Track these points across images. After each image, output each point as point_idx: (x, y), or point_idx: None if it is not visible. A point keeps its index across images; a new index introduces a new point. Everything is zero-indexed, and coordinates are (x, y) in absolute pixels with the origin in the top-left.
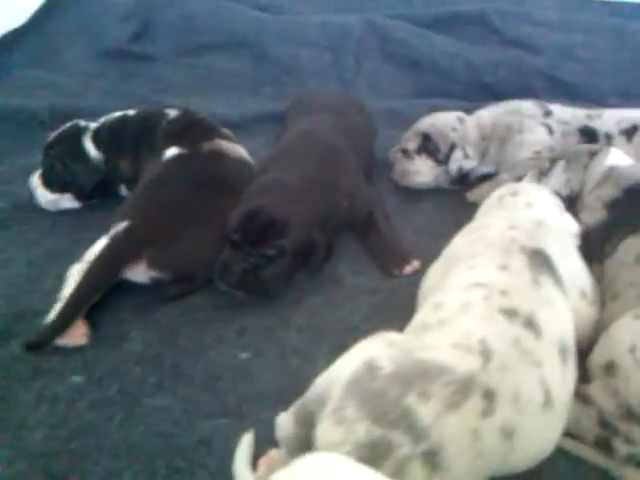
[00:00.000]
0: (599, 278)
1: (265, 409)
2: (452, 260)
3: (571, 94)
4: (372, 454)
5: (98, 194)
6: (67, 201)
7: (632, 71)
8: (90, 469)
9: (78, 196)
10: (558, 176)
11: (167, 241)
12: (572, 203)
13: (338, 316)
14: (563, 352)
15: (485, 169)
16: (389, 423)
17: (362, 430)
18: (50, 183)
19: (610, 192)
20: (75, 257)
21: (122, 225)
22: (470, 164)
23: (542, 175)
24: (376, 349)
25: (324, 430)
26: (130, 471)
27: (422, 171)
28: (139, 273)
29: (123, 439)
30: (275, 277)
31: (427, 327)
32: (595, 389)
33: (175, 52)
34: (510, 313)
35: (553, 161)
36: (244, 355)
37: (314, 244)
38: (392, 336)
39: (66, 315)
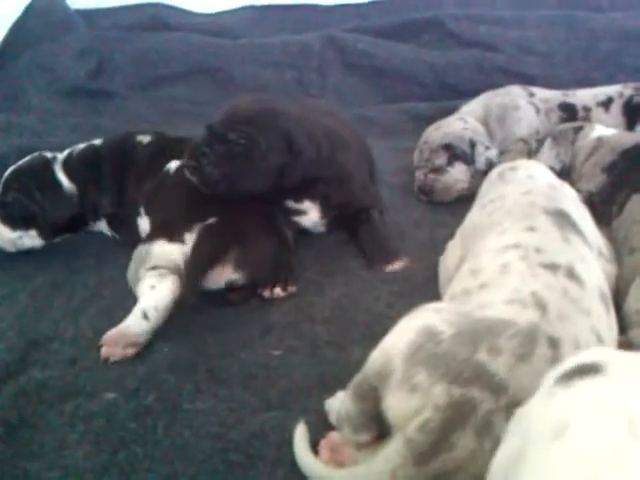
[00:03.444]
0: (609, 239)
1: (309, 399)
2: (472, 234)
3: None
4: (456, 414)
5: (66, 230)
6: (30, 239)
7: (587, 59)
8: (144, 477)
9: (44, 233)
10: (548, 152)
11: (252, 242)
12: (564, 177)
13: (362, 306)
14: (605, 301)
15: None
16: (467, 381)
17: (440, 392)
18: (11, 219)
19: (607, 157)
20: (78, 286)
21: (210, 221)
22: (493, 152)
23: (532, 154)
24: (428, 317)
25: (397, 401)
26: (188, 473)
27: (461, 178)
28: (221, 275)
29: (172, 445)
30: (239, 169)
31: (469, 293)
32: (636, 335)
33: (135, 86)
34: (551, 267)
35: (540, 142)
36: (276, 353)
37: (295, 155)
38: (437, 305)
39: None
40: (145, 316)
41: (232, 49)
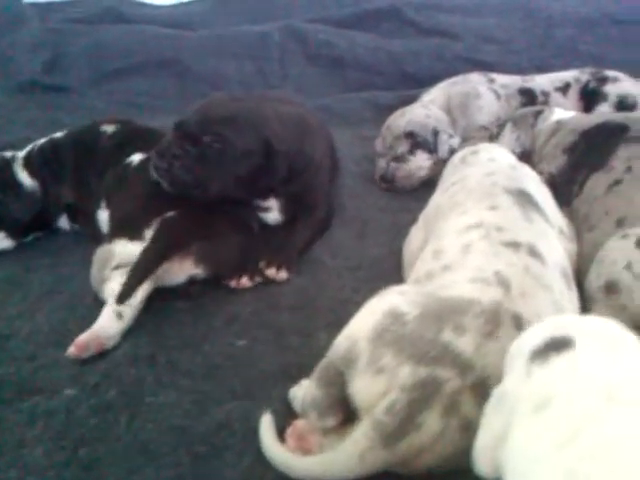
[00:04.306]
0: (569, 219)
1: (275, 387)
2: (435, 216)
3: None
4: (422, 394)
5: (34, 229)
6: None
7: (544, 46)
8: (106, 472)
9: (13, 233)
10: (508, 136)
11: (214, 235)
12: (524, 160)
13: (327, 293)
14: (566, 277)
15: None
16: (433, 360)
17: (406, 373)
18: None
19: (567, 138)
20: (34, 283)
21: (170, 214)
22: (456, 141)
23: (493, 139)
24: (392, 299)
25: (364, 384)
26: (151, 467)
27: (423, 166)
28: (181, 270)
29: (134, 439)
30: (212, 173)
31: (432, 275)
32: (599, 311)
33: (92, 79)
34: (513, 245)
35: (501, 126)
36: (240, 342)
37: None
38: (401, 287)
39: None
40: (120, 316)
41: (190, 41)
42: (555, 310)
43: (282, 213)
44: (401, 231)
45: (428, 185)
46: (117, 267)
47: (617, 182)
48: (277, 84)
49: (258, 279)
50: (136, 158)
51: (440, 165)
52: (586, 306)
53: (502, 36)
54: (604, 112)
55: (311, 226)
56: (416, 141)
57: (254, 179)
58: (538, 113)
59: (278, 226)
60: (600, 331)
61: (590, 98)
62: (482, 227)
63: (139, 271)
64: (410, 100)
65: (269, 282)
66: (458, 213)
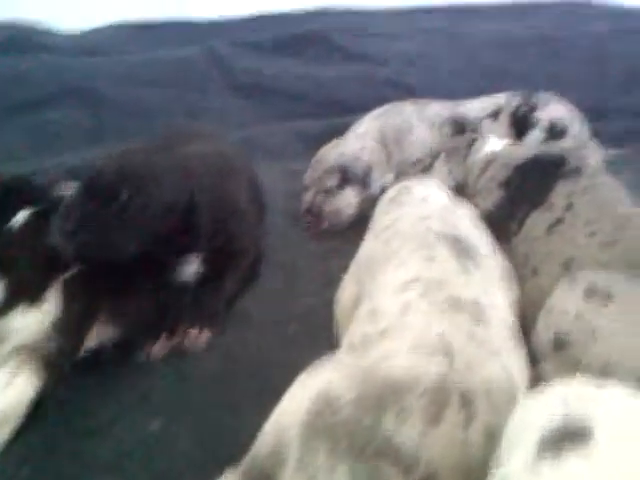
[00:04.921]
0: (509, 258)
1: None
2: (369, 266)
3: (418, 98)
4: None
5: None
6: None
7: (471, 68)
8: None
9: None
10: (440, 169)
11: (124, 293)
12: (458, 193)
13: (253, 354)
14: (512, 336)
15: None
16: (373, 455)
17: (344, 473)
18: None
19: (502, 172)
20: None
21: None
22: (389, 178)
23: (426, 170)
24: (325, 377)
25: None
26: None
27: (351, 203)
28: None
29: None
30: (126, 231)
31: (369, 341)
32: (548, 369)
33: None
34: (455, 304)
35: (434, 158)
36: (154, 424)
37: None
38: (336, 360)
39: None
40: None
41: (105, 68)
42: (506, 378)
43: (204, 264)
44: (333, 278)
45: (359, 225)
46: (10, 353)
47: (558, 221)
48: (199, 113)
49: (177, 341)
50: (20, 217)
51: (370, 202)
52: (535, 360)
53: (428, 60)
54: (536, 138)
55: (238, 277)
56: (347, 176)
57: (176, 236)
58: (470, 144)
59: (200, 278)
60: (624, 415)
61: (521, 124)
62: (420, 282)
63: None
64: (339, 130)
65: (189, 345)
66: (394, 266)
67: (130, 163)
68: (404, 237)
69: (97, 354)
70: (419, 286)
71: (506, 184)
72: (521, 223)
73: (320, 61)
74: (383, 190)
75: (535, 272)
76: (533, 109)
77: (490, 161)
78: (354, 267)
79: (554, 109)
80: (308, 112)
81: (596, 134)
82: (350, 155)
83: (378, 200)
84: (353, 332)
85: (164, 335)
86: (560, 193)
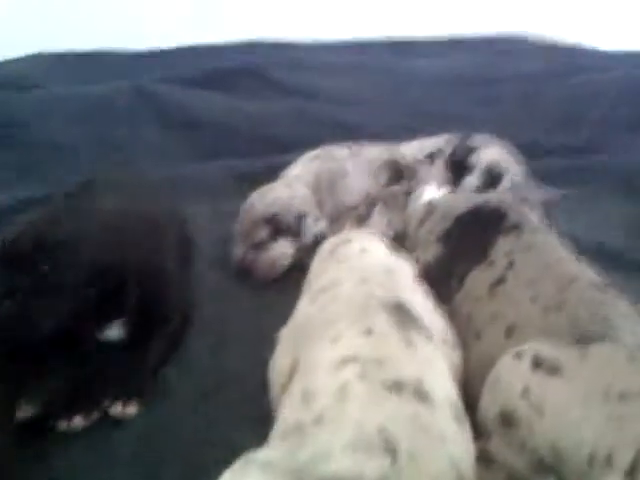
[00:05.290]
0: (450, 316)
1: None
2: (305, 333)
3: (353, 135)
4: None
5: None
6: None
7: (409, 107)
8: None
9: None
10: (379, 220)
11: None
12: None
13: (177, 432)
14: (457, 416)
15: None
16: None
17: None
18: None
19: (440, 224)
20: None
21: None
22: (322, 225)
23: (363, 220)
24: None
25: None
26: None
27: (286, 254)
28: None
29: None
30: (44, 308)
31: (303, 430)
32: (496, 446)
33: None
34: (396, 387)
35: (370, 204)
36: None
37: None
38: (263, 456)
39: None
40: None
41: (23, 102)
42: (451, 466)
43: (128, 330)
44: (266, 338)
45: (295, 275)
46: None
47: (500, 281)
48: (129, 149)
49: (96, 415)
50: None
51: (304, 251)
52: (480, 432)
53: (361, 97)
54: (473, 184)
55: (164, 341)
56: (278, 227)
57: (99, 304)
58: (408, 193)
59: (124, 344)
60: None
61: (457, 169)
62: (359, 362)
63: None
64: (272, 169)
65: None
66: (330, 338)
67: (49, 232)
68: (342, 305)
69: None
70: (357, 366)
71: (445, 238)
72: (461, 280)
73: (252, 95)
74: (317, 238)
75: (478, 336)
76: (469, 153)
77: (429, 211)
78: (289, 332)
79: (491, 152)
80: (239, 149)
81: (533, 174)
82: (280, 205)
83: (312, 249)
84: (286, 415)
85: (82, 409)
86: (501, 250)
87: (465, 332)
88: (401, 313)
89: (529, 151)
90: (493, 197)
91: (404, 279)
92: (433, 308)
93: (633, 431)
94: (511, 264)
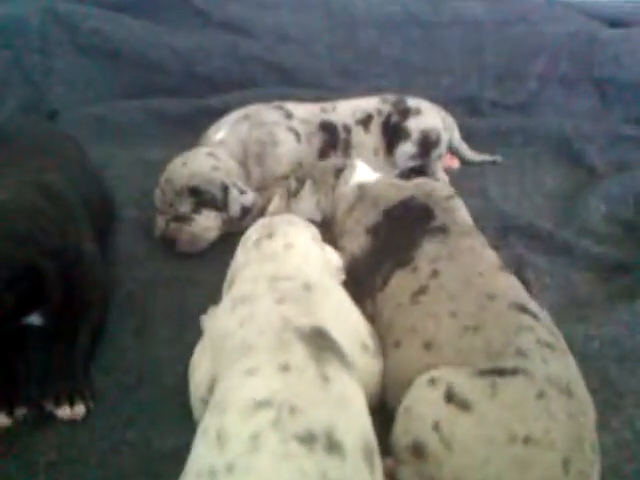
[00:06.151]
0: (373, 315)
1: None
2: (222, 345)
3: (290, 79)
4: None
5: None
6: None
7: (347, 49)
8: None
9: None
10: (308, 199)
11: None
12: (326, 227)
13: (96, 435)
14: (369, 457)
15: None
16: None
17: None
18: None
19: (370, 215)
20: None
21: None
22: (249, 197)
23: (291, 197)
24: None
25: None
26: None
27: (211, 226)
28: None
29: None
30: None
31: (215, 475)
32: (406, 475)
33: None
34: (308, 439)
35: (300, 180)
36: None
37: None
38: None
39: None
40: None
41: None
42: None
43: (46, 316)
44: (190, 317)
45: (220, 246)
46: None
47: (422, 290)
48: (39, 80)
49: (21, 412)
50: None
51: (232, 222)
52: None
53: (301, 36)
54: (408, 152)
55: (88, 331)
56: (201, 198)
57: (19, 307)
58: (339, 171)
59: (46, 334)
60: None
61: (392, 134)
62: (273, 407)
63: None
64: (201, 111)
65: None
66: (247, 370)
67: None
68: (259, 328)
69: None
70: (271, 412)
71: (373, 231)
72: (386, 280)
73: (178, 26)
74: (244, 211)
75: (397, 345)
76: (404, 118)
77: (359, 197)
78: (208, 338)
79: (425, 119)
80: (165, 86)
81: (469, 135)
82: (202, 175)
83: (239, 221)
84: (200, 456)
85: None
86: (425, 254)
87: (385, 338)
88: (318, 340)
89: (466, 106)
90: (423, 189)
91: (325, 289)
92: (356, 313)
93: (534, 475)
94: (435, 273)
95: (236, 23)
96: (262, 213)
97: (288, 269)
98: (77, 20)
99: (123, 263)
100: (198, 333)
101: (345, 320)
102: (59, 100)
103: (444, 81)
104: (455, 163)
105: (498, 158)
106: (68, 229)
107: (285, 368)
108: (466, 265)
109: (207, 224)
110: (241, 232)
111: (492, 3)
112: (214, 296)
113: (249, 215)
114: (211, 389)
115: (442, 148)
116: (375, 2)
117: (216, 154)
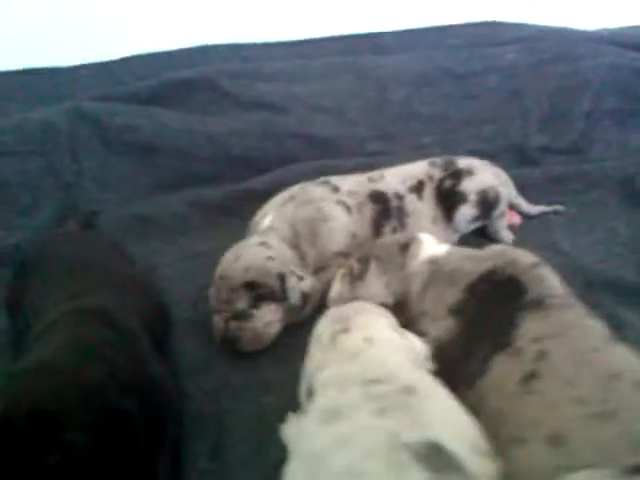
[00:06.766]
0: (473, 406)
1: None
2: (323, 473)
3: (328, 149)
4: None
5: None
6: None
7: (381, 111)
8: None
9: None
10: (375, 281)
11: None
12: (399, 311)
13: None
14: None
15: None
16: None
17: None
18: None
19: (451, 294)
20: None
21: None
22: (308, 283)
23: (355, 280)
24: None
25: None
26: None
27: (272, 320)
28: None
29: None
30: None
31: None
32: None
33: None
34: None
35: (362, 261)
36: None
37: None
38: None
39: None
40: None
41: None
42: None
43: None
44: (268, 433)
45: (284, 340)
46: None
47: (533, 375)
48: (73, 182)
49: None
50: None
51: (292, 312)
52: None
53: (333, 104)
54: (468, 217)
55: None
56: (259, 292)
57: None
58: (404, 247)
59: None
60: None
61: (448, 199)
62: None
63: None
64: (242, 195)
65: None
66: None
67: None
68: (363, 450)
69: None
70: None
71: (458, 311)
72: (484, 365)
73: (208, 112)
74: (304, 297)
75: (518, 442)
76: (458, 180)
77: (433, 274)
78: (299, 461)
79: (480, 178)
80: (201, 173)
81: (521, 187)
82: (257, 269)
83: (301, 309)
84: None
85: None
86: (527, 334)
87: (499, 432)
88: (436, 459)
89: (513, 155)
90: (503, 258)
91: (427, 393)
92: (456, 409)
93: None
94: (542, 354)
95: (265, 100)
96: (323, 299)
97: (377, 369)
98: (104, 118)
99: (186, 372)
100: (279, 448)
101: (455, 423)
102: (93, 200)
103: (486, 131)
104: (517, 219)
105: (559, 208)
106: (135, 356)
107: None
108: (576, 342)
109: (268, 318)
110: (303, 322)
111: (524, 45)
112: (290, 400)
113: (309, 302)
114: None
115: (503, 206)
116: (404, 60)
117: (267, 242)
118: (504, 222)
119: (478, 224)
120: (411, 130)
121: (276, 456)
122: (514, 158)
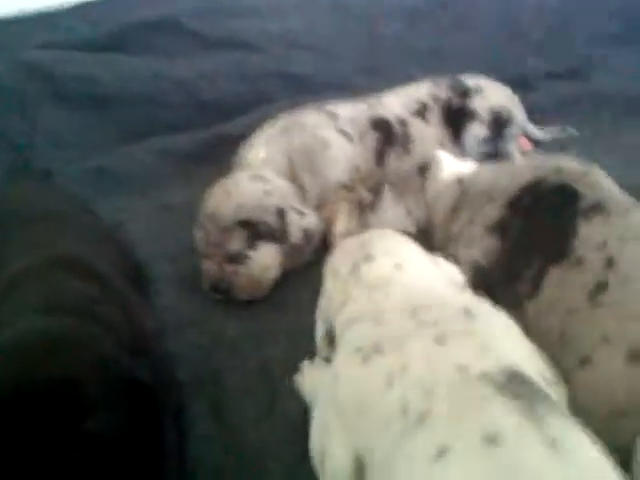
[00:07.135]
0: (523, 329)
1: None
2: (368, 420)
3: (309, 87)
4: None
5: None
6: None
7: (363, 46)
8: None
9: None
10: (393, 209)
11: None
12: (422, 238)
13: None
14: None
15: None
16: None
17: None
18: None
19: (490, 211)
20: None
21: None
22: (311, 219)
23: (366, 209)
24: None
25: None
26: None
27: (271, 264)
28: None
29: None
30: None
31: None
32: None
33: None
34: None
35: (373, 190)
36: None
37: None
38: None
39: None
40: None
41: None
42: None
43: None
44: (277, 387)
45: (285, 285)
46: None
47: (601, 286)
48: (26, 142)
49: None
50: None
51: (294, 253)
52: None
53: (316, 40)
54: (479, 137)
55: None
56: (256, 231)
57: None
58: (424, 169)
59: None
60: None
61: (457, 120)
62: None
63: None
64: (218, 142)
65: None
66: (432, 455)
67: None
68: (424, 385)
69: None
70: None
71: (499, 229)
72: (536, 283)
73: (173, 54)
74: (307, 236)
75: (586, 362)
76: (466, 98)
77: (463, 194)
78: (330, 409)
79: (490, 96)
80: (170, 122)
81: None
82: (252, 203)
83: (304, 248)
84: None
85: None
86: (587, 241)
87: (562, 355)
88: (520, 389)
89: (512, 85)
90: (547, 168)
91: (486, 315)
92: (520, 335)
93: None
94: (610, 262)
95: (238, 38)
96: (325, 238)
97: (419, 294)
98: (55, 67)
99: (175, 331)
100: (292, 401)
101: (521, 348)
102: (49, 158)
103: (482, 59)
104: (529, 145)
105: (571, 130)
106: (130, 312)
107: (492, 440)
108: None
109: (266, 261)
110: (304, 266)
111: None
112: (294, 350)
113: (313, 240)
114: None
115: (515, 127)
116: None
117: (262, 175)
118: (517, 146)
119: (488, 148)
120: (400, 66)
121: (291, 411)
122: (511, 86)
